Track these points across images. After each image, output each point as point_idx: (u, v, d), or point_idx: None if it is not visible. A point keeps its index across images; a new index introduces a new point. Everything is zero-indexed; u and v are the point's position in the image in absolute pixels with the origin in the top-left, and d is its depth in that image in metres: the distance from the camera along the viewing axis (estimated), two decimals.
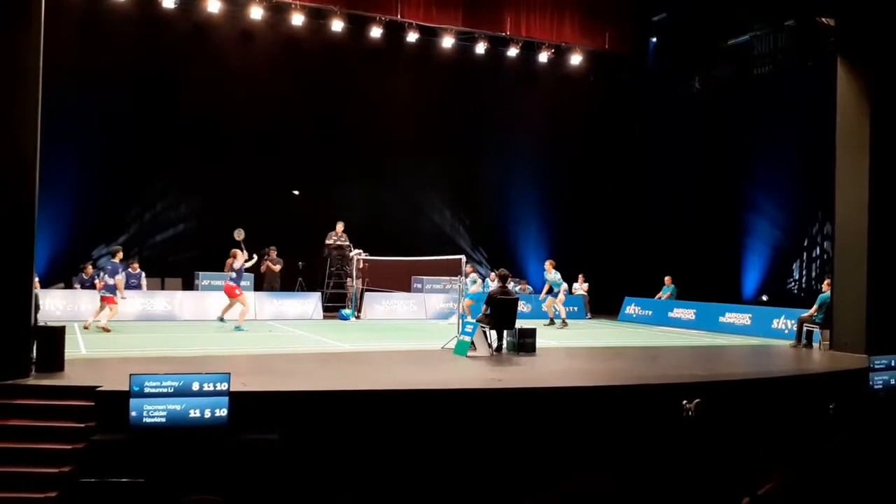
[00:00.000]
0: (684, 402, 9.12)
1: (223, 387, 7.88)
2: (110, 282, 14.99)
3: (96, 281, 16.36)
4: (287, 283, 20.18)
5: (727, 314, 18.55)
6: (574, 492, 7.72)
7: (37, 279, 11.37)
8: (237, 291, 15.98)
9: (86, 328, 14.70)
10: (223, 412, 7.84)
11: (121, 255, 16.01)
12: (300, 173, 21.47)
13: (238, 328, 15.58)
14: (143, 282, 18.66)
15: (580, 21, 22.28)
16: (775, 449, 8.75)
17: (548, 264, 18.97)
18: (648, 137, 25.10)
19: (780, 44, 21.54)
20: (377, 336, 15.59)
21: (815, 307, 14.86)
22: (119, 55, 19.64)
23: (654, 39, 24.71)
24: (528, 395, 9.45)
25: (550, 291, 18.79)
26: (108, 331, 14.58)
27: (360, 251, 19.83)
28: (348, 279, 19.91)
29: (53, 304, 16.54)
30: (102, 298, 15.01)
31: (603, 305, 22.20)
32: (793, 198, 21.41)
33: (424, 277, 20.94)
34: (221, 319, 16.23)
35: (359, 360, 12.31)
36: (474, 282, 17.83)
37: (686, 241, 23.03)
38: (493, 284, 17.98)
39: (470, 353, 12.24)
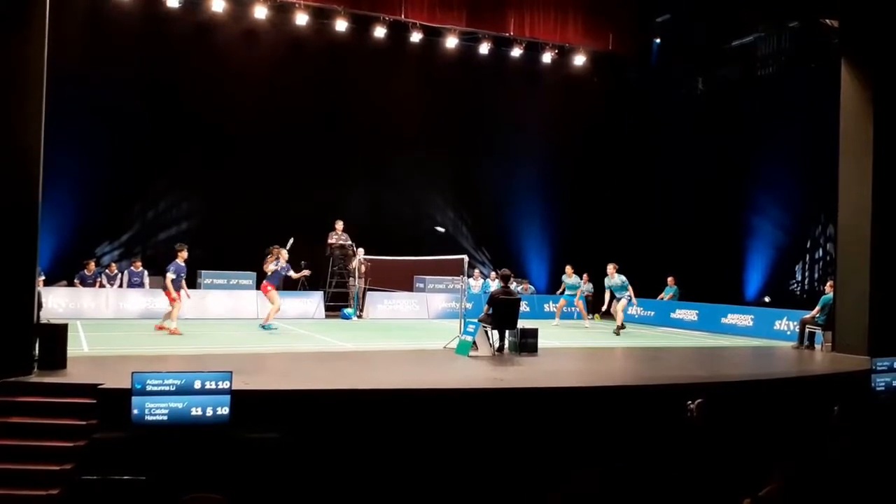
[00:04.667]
0: (689, 402, 9.13)
1: (225, 385, 7.91)
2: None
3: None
4: (289, 282, 20.17)
5: (729, 315, 18.53)
6: (576, 493, 7.72)
7: (41, 277, 11.39)
8: (269, 288, 15.69)
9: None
10: (225, 410, 7.86)
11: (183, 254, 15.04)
12: (303, 173, 21.51)
13: (264, 327, 15.39)
14: (146, 280, 18.70)
15: (584, 22, 22.26)
16: (777, 450, 8.75)
17: (610, 268, 17.87)
18: (651, 138, 25.09)
19: (783, 45, 21.50)
20: (379, 335, 15.60)
21: (817, 308, 14.85)
22: (122, 54, 19.67)
23: (658, 40, 24.69)
24: (530, 394, 9.45)
25: (612, 297, 17.91)
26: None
27: (362, 250, 19.83)
28: (350, 278, 19.92)
29: (56, 302, 16.58)
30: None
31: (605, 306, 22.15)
32: (795, 199, 21.36)
33: (427, 277, 20.94)
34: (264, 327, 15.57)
35: (361, 359, 12.32)
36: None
37: (688, 241, 23.01)
38: (494, 284, 18.08)
39: (472, 353, 12.25)
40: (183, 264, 14.77)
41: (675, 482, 8.00)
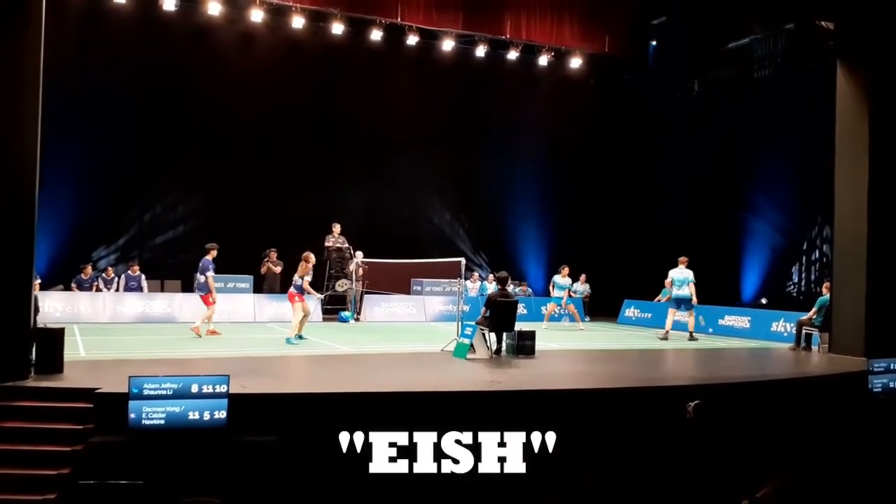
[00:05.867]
0: (689, 404, 9.14)
1: (222, 389, 7.89)
2: (201, 279, 14.58)
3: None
4: (287, 285, 20.14)
5: (726, 317, 18.55)
6: (574, 494, 7.72)
7: (37, 281, 11.35)
8: (297, 298, 14.29)
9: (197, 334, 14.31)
10: (222, 414, 7.85)
11: (214, 252, 14.79)
12: (300, 176, 21.52)
13: (290, 340, 13.96)
14: (144, 284, 18.67)
15: (580, 24, 22.30)
16: (774, 452, 8.76)
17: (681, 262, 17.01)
18: (648, 140, 25.11)
19: (779, 47, 21.56)
20: (376, 338, 15.59)
21: (814, 310, 14.88)
22: (119, 57, 19.65)
23: (654, 42, 24.73)
24: (528, 397, 9.44)
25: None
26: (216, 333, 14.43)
27: (360, 253, 19.80)
28: (348, 281, 19.88)
29: (53, 306, 16.51)
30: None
31: (602, 308, 22.20)
32: (792, 200, 21.41)
33: (424, 280, 20.94)
34: (299, 337, 14.21)
35: (358, 362, 12.32)
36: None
37: (686, 243, 22.99)
38: (491, 286, 18.06)
39: (469, 356, 12.24)
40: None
41: (674, 483, 8.00)
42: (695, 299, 16.60)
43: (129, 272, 18.75)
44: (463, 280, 15.72)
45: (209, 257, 14.67)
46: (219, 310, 17.47)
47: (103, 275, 18.70)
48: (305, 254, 14.64)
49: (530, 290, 22.99)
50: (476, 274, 21.83)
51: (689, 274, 16.72)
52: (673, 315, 17.07)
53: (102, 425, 7.86)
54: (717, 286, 21.72)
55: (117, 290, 18.54)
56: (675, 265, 17.07)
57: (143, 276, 18.74)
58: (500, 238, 24.44)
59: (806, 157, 19.97)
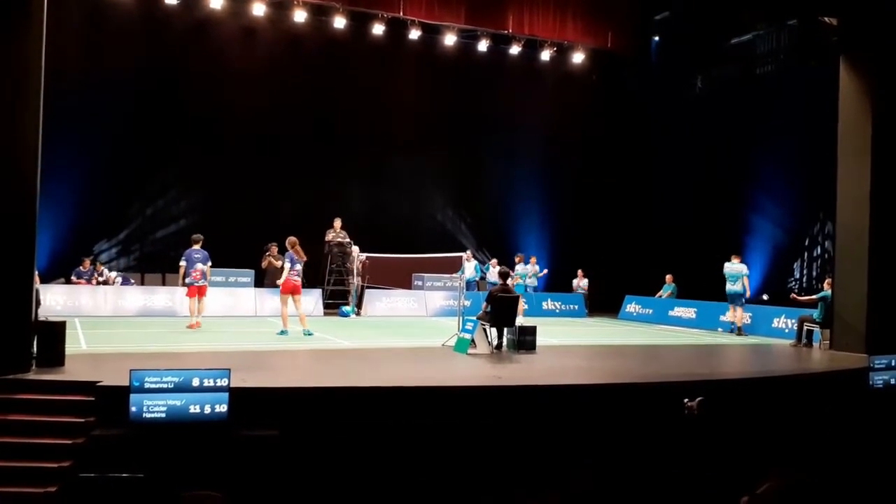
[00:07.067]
0: (686, 400, 9.14)
1: (223, 383, 7.90)
2: (204, 268, 14.59)
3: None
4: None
5: (728, 313, 18.50)
6: (575, 490, 7.72)
7: (37, 274, 11.37)
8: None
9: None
10: (223, 408, 7.87)
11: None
12: (301, 170, 21.49)
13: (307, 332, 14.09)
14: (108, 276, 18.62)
15: (583, 19, 22.25)
16: (775, 448, 8.76)
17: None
18: (650, 136, 25.07)
19: (782, 43, 21.52)
20: (378, 333, 15.59)
21: (814, 297, 14.99)
22: (121, 51, 19.63)
23: (657, 38, 24.68)
24: (528, 392, 9.45)
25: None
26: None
27: (357, 248, 19.78)
28: (349, 276, 19.89)
29: (54, 300, 16.53)
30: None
31: (603, 304, 22.19)
32: (794, 197, 21.36)
33: (425, 275, 20.93)
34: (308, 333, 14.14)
35: (359, 356, 12.32)
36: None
37: (687, 239, 23.01)
38: (493, 271, 17.97)
39: (470, 351, 12.26)
40: None
41: (674, 479, 8.00)
42: (748, 293, 16.80)
43: (80, 268, 18.42)
44: (463, 275, 15.75)
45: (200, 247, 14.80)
46: (220, 303, 17.60)
47: (94, 268, 18.63)
48: (292, 239, 14.59)
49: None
50: (469, 252, 21.42)
51: (743, 268, 16.91)
52: (733, 311, 17.21)
53: (103, 418, 7.87)
54: (719, 282, 21.67)
55: (112, 283, 18.46)
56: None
57: (114, 274, 18.72)
58: (502, 234, 24.40)
59: (808, 153, 19.91)
